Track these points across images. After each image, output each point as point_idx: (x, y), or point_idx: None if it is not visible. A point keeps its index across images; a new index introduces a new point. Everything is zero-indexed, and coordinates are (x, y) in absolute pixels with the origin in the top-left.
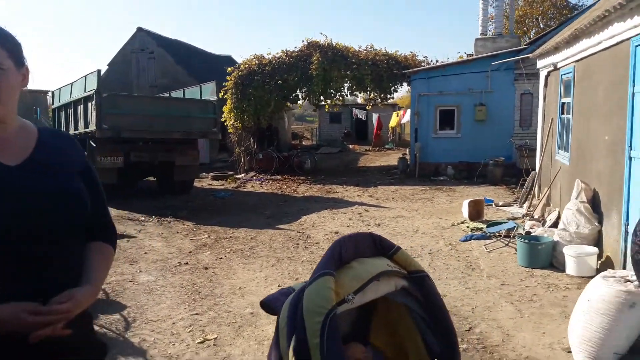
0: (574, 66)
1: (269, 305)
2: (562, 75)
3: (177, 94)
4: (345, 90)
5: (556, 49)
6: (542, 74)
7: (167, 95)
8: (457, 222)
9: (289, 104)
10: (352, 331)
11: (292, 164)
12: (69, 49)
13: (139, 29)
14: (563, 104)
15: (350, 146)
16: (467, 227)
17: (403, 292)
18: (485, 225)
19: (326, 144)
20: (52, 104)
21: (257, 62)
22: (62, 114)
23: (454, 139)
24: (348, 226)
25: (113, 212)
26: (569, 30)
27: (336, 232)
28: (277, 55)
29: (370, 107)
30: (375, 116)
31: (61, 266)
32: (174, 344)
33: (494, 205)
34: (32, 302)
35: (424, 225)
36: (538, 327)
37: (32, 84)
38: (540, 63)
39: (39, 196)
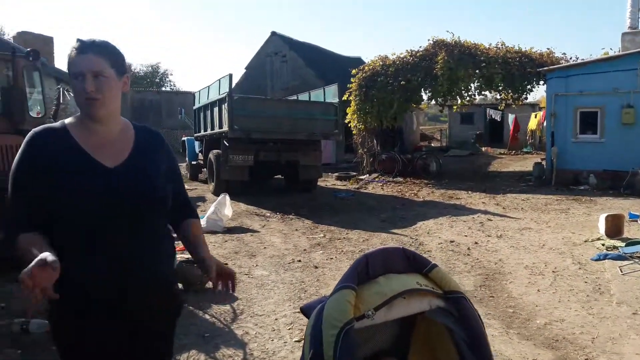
0: None
1: (306, 312)
2: None
3: (303, 96)
4: (473, 90)
5: None
6: None
7: (294, 97)
8: (592, 238)
9: (414, 105)
10: (392, 346)
11: (415, 167)
12: (216, 53)
13: (273, 34)
14: None
15: (483, 149)
16: (602, 244)
17: (443, 312)
18: (623, 244)
19: (456, 145)
20: (194, 105)
21: (381, 63)
22: (201, 114)
23: (597, 144)
24: (466, 235)
25: (242, 207)
26: None
27: (452, 241)
28: (402, 56)
29: (502, 107)
30: (511, 117)
31: (143, 247)
32: (272, 340)
33: (639, 222)
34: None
35: (553, 239)
36: None
37: (183, 86)
38: None
39: (131, 195)
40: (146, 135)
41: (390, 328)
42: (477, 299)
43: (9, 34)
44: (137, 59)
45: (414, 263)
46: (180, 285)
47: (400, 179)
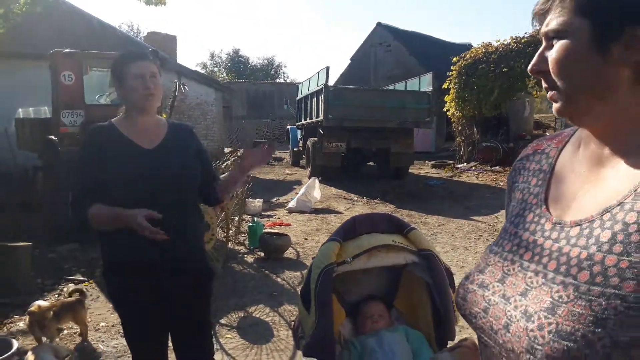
0: None
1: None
2: None
3: (400, 85)
4: None
5: None
6: None
7: (390, 87)
8: None
9: (519, 92)
10: (382, 292)
11: (517, 156)
12: (327, 44)
13: (378, 24)
14: None
15: None
16: None
17: (421, 268)
18: None
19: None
20: (297, 96)
21: (483, 50)
22: (302, 104)
23: None
24: None
25: (333, 191)
26: None
27: None
28: (506, 43)
29: None
30: None
31: (179, 218)
32: None
33: None
34: (150, 211)
35: None
36: None
37: (298, 77)
38: None
39: (165, 171)
40: (177, 127)
41: (380, 277)
42: None
43: (143, 34)
44: (255, 53)
45: (396, 225)
46: (262, 254)
47: (499, 169)
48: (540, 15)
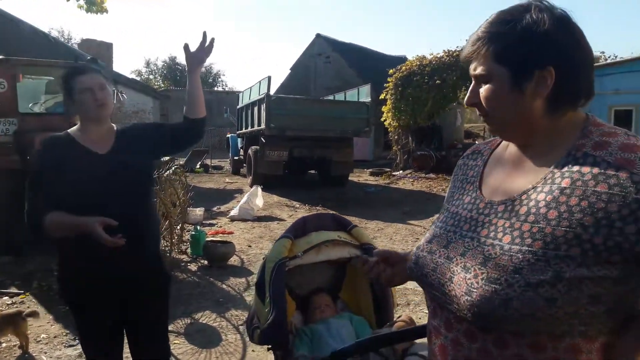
0: None
1: None
2: None
3: (339, 95)
4: None
5: None
6: None
7: (330, 97)
8: None
9: (452, 103)
10: (328, 285)
11: (449, 163)
12: (267, 53)
13: (318, 35)
14: None
15: None
16: None
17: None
18: None
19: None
20: (238, 104)
21: (418, 63)
22: (243, 113)
23: None
24: None
25: (275, 199)
26: None
27: None
28: (439, 56)
29: None
30: None
31: (139, 221)
32: None
33: None
34: (105, 218)
35: None
36: None
37: (236, 85)
38: None
39: (120, 170)
40: (123, 128)
41: (327, 272)
42: None
43: (75, 40)
44: None
45: (341, 223)
46: (206, 262)
47: (433, 176)
48: (467, 60)
